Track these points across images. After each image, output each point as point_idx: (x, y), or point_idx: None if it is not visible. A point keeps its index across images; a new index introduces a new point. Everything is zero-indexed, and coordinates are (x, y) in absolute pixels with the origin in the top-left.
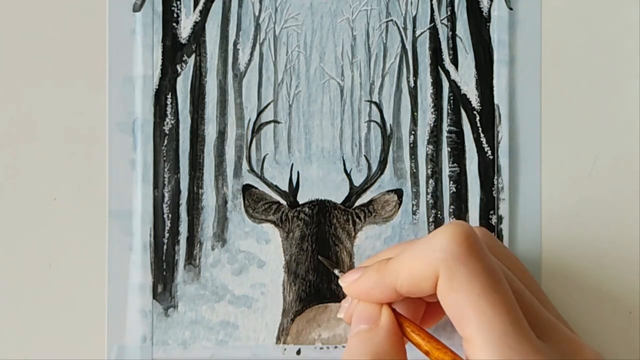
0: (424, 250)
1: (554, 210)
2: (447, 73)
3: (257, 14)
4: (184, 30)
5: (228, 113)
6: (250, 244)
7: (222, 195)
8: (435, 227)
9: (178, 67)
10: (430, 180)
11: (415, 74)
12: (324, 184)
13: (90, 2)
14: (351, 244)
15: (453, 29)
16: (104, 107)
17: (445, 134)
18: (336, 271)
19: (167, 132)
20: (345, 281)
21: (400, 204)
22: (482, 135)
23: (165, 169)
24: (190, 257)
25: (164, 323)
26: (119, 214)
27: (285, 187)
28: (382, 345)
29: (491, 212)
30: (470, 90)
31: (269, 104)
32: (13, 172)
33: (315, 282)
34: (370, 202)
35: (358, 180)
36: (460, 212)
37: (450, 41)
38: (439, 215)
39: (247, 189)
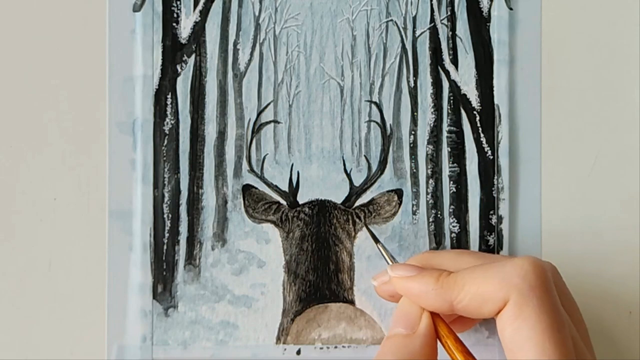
0: (499, 274)
1: (554, 210)
2: (447, 73)
3: (257, 14)
4: (184, 30)
5: (228, 113)
6: (250, 244)
7: (222, 195)
8: (435, 227)
9: (178, 67)
10: (430, 180)
11: (415, 74)
12: (324, 184)
13: (90, 2)
14: (351, 244)
15: (453, 29)
16: (104, 107)
17: (445, 134)
18: (383, 253)
19: (167, 132)
20: (397, 273)
21: (400, 204)
22: (482, 135)
23: (165, 169)
24: (190, 257)
25: (164, 323)
26: (119, 214)
27: (285, 187)
28: (416, 353)
29: (491, 212)
30: (470, 90)
31: (269, 104)
32: (13, 172)
33: (315, 282)
34: (371, 202)
35: (358, 180)
36: (460, 212)
37: (450, 41)
38: (439, 215)
39: (247, 189)
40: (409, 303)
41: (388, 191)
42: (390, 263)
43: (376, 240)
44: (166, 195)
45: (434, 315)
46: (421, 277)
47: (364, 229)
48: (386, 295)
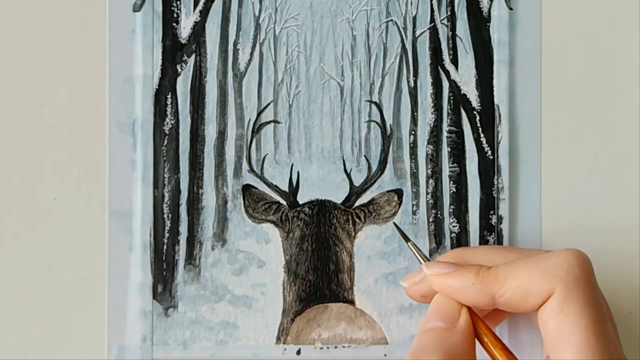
0: (542, 266)
1: (554, 210)
2: (447, 73)
3: (257, 14)
4: (184, 30)
5: (228, 113)
6: (250, 244)
7: (222, 195)
8: (435, 227)
9: (178, 67)
10: (430, 180)
11: (415, 74)
12: (324, 184)
13: (90, 2)
14: (351, 244)
15: (453, 29)
16: (104, 107)
17: (445, 134)
18: (415, 252)
19: (167, 132)
20: (434, 271)
21: (400, 204)
22: (482, 135)
23: (165, 169)
24: (190, 257)
25: (164, 323)
26: (119, 214)
27: (285, 187)
28: (457, 347)
29: (491, 212)
30: (470, 90)
31: (269, 104)
32: (13, 172)
33: (315, 282)
34: (371, 202)
35: (358, 180)
36: (460, 212)
37: (450, 41)
38: (439, 215)
39: (247, 189)
40: (446, 298)
41: (388, 191)
42: (423, 262)
43: (406, 239)
44: (166, 195)
45: (470, 311)
46: (460, 272)
47: (363, 228)
48: (417, 296)
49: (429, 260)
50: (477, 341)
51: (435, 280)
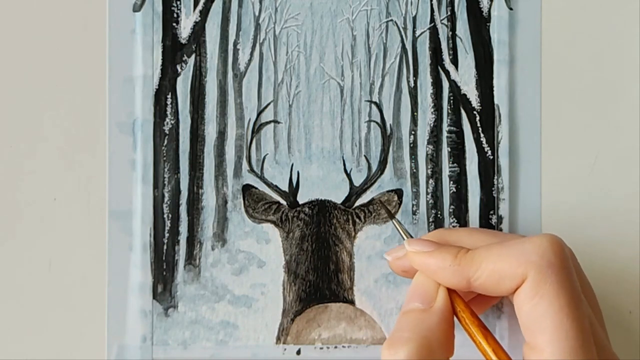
0: (517, 251)
1: (554, 210)
2: (447, 73)
3: (257, 14)
4: (184, 30)
5: (228, 113)
6: (250, 244)
7: (222, 195)
8: (436, 227)
9: (178, 67)
10: (430, 180)
11: (415, 74)
12: (324, 184)
13: (90, 2)
14: (351, 244)
15: (453, 29)
16: (104, 107)
17: (445, 134)
18: (398, 228)
19: (167, 132)
20: (415, 248)
21: (400, 204)
22: (482, 135)
23: (165, 169)
24: (190, 257)
25: (164, 323)
26: (119, 214)
27: (285, 187)
28: (434, 329)
29: (491, 212)
30: (470, 90)
31: (269, 104)
32: (13, 172)
33: (315, 282)
34: (371, 202)
35: (358, 180)
36: (460, 212)
37: (450, 41)
38: (439, 215)
39: (247, 189)
40: (425, 278)
41: (388, 191)
42: (406, 238)
43: (391, 216)
44: (166, 195)
45: (449, 290)
46: (439, 252)
47: (363, 228)
48: (399, 271)
49: (411, 237)
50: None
51: (414, 258)
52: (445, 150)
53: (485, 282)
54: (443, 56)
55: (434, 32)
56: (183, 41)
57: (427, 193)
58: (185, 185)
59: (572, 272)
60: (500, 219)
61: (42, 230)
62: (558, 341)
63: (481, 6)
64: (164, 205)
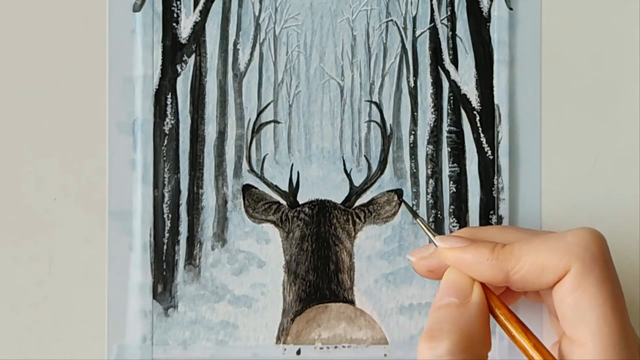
0: (559, 243)
1: (554, 210)
2: (447, 73)
3: (257, 14)
4: (184, 30)
5: (228, 113)
6: (250, 244)
7: (222, 195)
8: (435, 227)
9: (178, 67)
10: (430, 180)
11: (415, 74)
12: (324, 184)
13: (90, 2)
14: (351, 244)
15: (453, 29)
16: (104, 107)
17: (445, 134)
18: (424, 227)
19: (167, 132)
20: (448, 244)
21: (400, 204)
22: (482, 135)
23: (165, 169)
24: (190, 257)
25: (164, 323)
26: (119, 214)
27: (285, 187)
28: (472, 323)
29: (491, 212)
30: (470, 90)
31: (269, 104)
32: (13, 172)
33: (315, 282)
34: (371, 202)
35: (358, 180)
36: (460, 212)
37: (450, 41)
38: (439, 215)
39: (247, 189)
40: (458, 273)
41: (388, 191)
42: (433, 236)
43: (415, 215)
44: (166, 195)
45: (483, 286)
46: (475, 248)
47: (363, 228)
48: (424, 271)
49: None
50: (491, 316)
51: (449, 254)
52: (445, 150)
53: (525, 275)
54: (443, 56)
55: (434, 32)
56: (183, 41)
57: (427, 193)
58: (185, 185)
59: (613, 266)
60: (500, 219)
61: (42, 230)
62: (600, 333)
63: (481, 6)
64: (164, 205)
